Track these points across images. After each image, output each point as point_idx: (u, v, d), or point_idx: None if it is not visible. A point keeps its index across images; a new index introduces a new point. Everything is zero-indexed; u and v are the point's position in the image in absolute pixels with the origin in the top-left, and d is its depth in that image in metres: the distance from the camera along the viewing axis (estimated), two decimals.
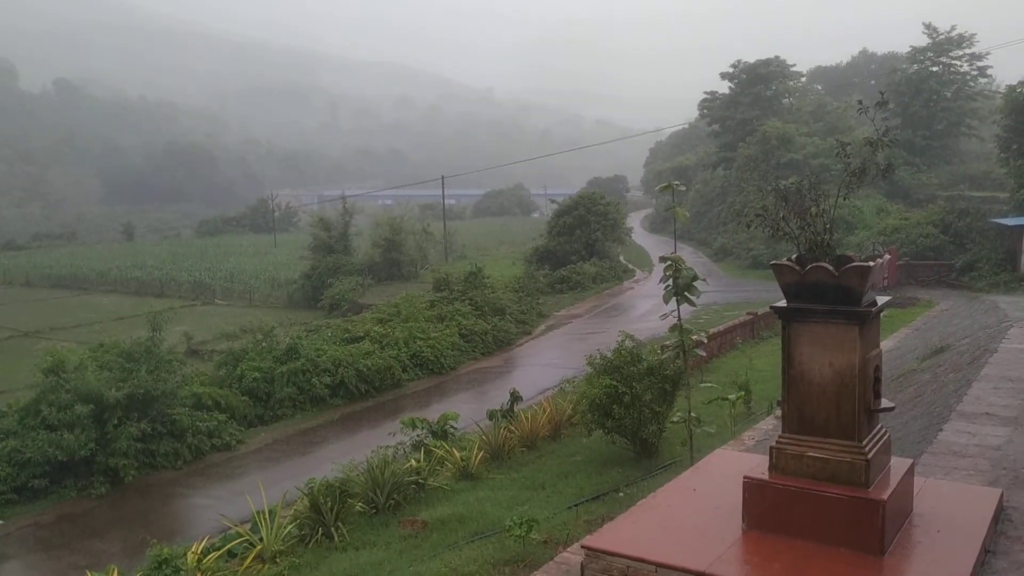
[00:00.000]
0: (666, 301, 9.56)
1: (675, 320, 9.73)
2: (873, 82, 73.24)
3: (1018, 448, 7.70)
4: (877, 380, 5.15)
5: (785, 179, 26.44)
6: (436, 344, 27.32)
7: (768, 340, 24.08)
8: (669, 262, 9.47)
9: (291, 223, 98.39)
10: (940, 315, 24.70)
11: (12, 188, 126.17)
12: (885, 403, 5.28)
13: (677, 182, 10.35)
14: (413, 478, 11.54)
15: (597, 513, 8.56)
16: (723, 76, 61.07)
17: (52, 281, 58.15)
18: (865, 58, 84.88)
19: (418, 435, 14.37)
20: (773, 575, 4.81)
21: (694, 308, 10.86)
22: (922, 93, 49.81)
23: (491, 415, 15.25)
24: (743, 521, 5.30)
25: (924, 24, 51.92)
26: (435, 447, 13.48)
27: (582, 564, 5.45)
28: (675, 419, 11.21)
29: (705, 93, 64.31)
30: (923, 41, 52.15)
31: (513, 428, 13.99)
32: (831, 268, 4.86)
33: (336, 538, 9.95)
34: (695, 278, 9.48)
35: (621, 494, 9.50)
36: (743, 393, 14.02)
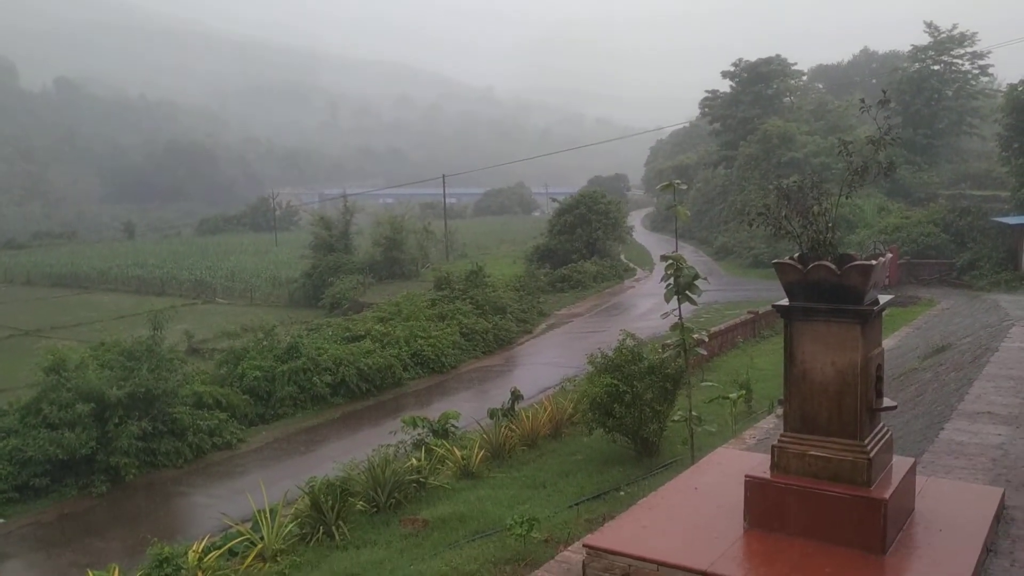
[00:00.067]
0: (667, 300, 9.55)
1: (676, 319, 9.72)
2: (874, 81, 73.19)
3: (1020, 447, 7.69)
4: (879, 379, 5.14)
5: (786, 178, 26.44)
6: (437, 343, 27.32)
7: (769, 339, 24.07)
8: (670, 261, 9.46)
9: (292, 222, 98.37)
10: (941, 314, 24.69)
11: (12, 187, 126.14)
12: (887, 402, 5.27)
13: (678, 181, 10.34)
14: (414, 477, 11.54)
15: (598, 512, 8.55)
16: (724, 75, 61.07)
17: (53, 280, 58.19)
18: (866, 57, 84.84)
19: (419, 434, 14.36)
20: (775, 574, 4.80)
21: (695, 307, 10.87)
22: (923, 92, 49.77)
23: (492, 414, 15.24)
24: (745, 520, 5.30)
25: (925, 23, 51.94)
26: (436, 446, 13.47)
27: (584, 563, 5.44)
28: (676, 418, 11.20)
29: (706, 92, 64.32)
30: (924, 40, 52.16)
31: (514, 427, 13.98)
32: (833, 267, 4.85)
33: (337, 537, 9.95)
34: (696, 277, 9.47)
35: (622, 493, 9.50)
36: (744, 392, 14.01)
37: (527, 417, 14.36)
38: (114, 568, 9.96)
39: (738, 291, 35.66)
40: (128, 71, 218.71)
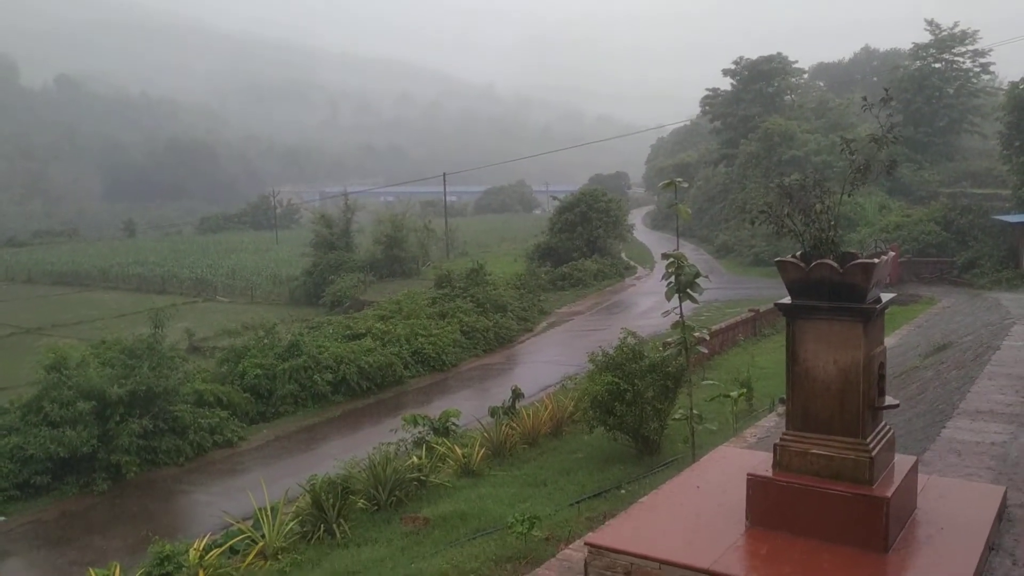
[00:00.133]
0: (668, 298, 9.53)
1: (677, 317, 9.70)
2: (875, 79, 73.04)
3: (1021, 446, 7.68)
4: (882, 377, 5.14)
5: (787, 176, 26.44)
6: (438, 341, 27.32)
7: (770, 337, 24.07)
8: (672, 259, 9.44)
9: (293, 220, 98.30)
10: (942, 312, 24.67)
11: (13, 184, 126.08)
12: (889, 400, 5.26)
13: (679, 179, 10.32)
14: (415, 475, 11.55)
15: (599, 510, 8.56)
16: (725, 73, 61.01)
17: (53, 278, 58.18)
18: (867, 54, 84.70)
19: (420, 432, 14.36)
20: (777, 572, 4.80)
21: (696, 305, 10.87)
22: (924, 90, 49.70)
23: (493, 412, 15.25)
24: (747, 518, 5.29)
25: (927, 20, 51.84)
26: (437, 444, 13.48)
27: (586, 561, 5.44)
28: (677, 416, 11.19)
29: (707, 90, 64.25)
30: (926, 37, 52.05)
31: (515, 425, 13.99)
32: (836, 265, 4.85)
33: (338, 535, 9.96)
34: (697, 275, 9.45)
35: (623, 491, 9.49)
36: (745, 390, 13.98)
37: (528, 415, 14.36)
38: (115, 566, 9.97)
39: (739, 289, 35.65)
40: (128, 69, 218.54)
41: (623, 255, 53.21)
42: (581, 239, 47.28)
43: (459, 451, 12.77)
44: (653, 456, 11.44)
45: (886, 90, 5.89)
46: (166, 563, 9.35)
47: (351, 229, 51.53)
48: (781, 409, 11.75)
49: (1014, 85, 35.16)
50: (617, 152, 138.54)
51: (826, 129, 52.76)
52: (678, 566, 4.90)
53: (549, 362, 25.90)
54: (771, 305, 24.49)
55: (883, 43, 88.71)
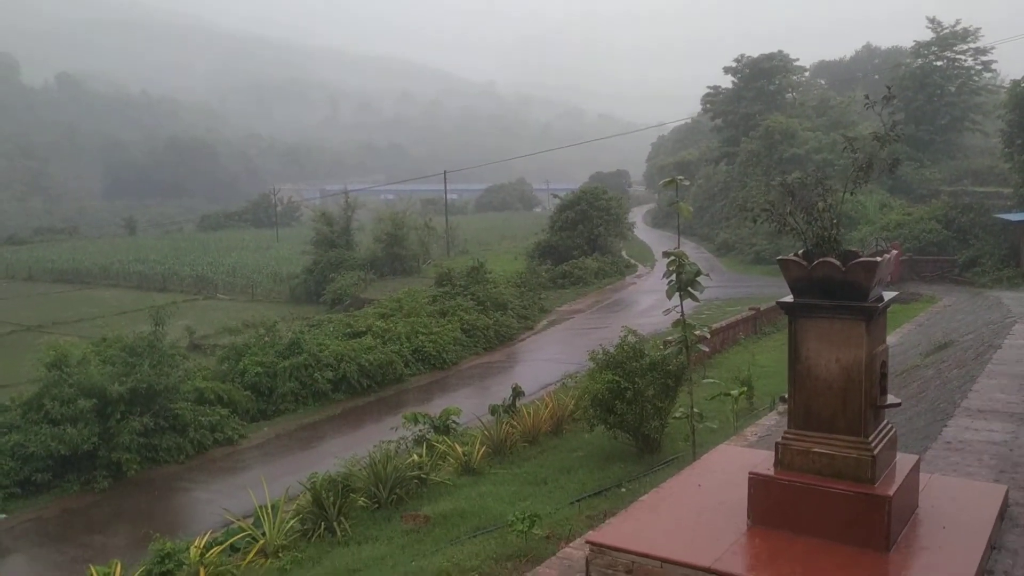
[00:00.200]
0: (669, 296, 9.52)
1: (678, 315, 9.69)
2: (877, 77, 72.89)
3: (1023, 444, 7.67)
4: (884, 376, 5.12)
5: (788, 174, 26.40)
6: (438, 339, 27.32)
7: (770, 336, 24.07)
8: (673, 257, 9.43)
9: (293, 218, 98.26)
10: (943, 311, 24.65)
11: (13, 182, 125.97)
12: (891, 399, 5.25)
13: (681, 177, 10.29)
14: (415, 473, 11.55)
15: (599, 508, 8.55)
16: (726, 71, 60.91)
17: (54, 275, 58.17)
18: (868, 52, 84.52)
19: (420, 430, 14.35)
20: (778, 571, 4.79)
21: (696, 303, 10.83)
22: (926, 88, 49.60)
23: (493, 410, 15.24)
24: (748, 517, 5.28)
25: (928, 18, 51.66)
26: (437, 442, 13.48)
27: (587, 559, 5.43)
28: (677, 415, 11.18)
29: (708, 88, 64.17)
30: (927, 35, 51.92)
31: (515, 423, 13.98)
32: (838, 263, 4.83)
33: (338, 533, 9.96)
34: (698, 273, 9.44)
35: (623, 490, 9.49)
36: (745, 389, 13.98)
37: (528, 413, 14.36)
38: (116, 563, 9.96)
39: (739, 288, 35.64)
40: (129, 68, 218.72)
41: (624, 253, 53.18)
42: (582, 237, 47.25)
43: (460, 449, 12.77)
44: (654, 454, 11.43)
45: (888, 88, 5.86)
46: (167, 560, 9.35)
47: (351, 227, 51.50)
48: (782, 408, 11.74)
49: (1015, 83, 35.06)
50: (617, 150, 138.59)
51: (827, 127, 52.68)
52: (680, 564, 4.89)
53: (549, 360, 25.90)
54: (772, 303, 24.51)
55: (884, 41, 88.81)
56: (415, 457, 12.17)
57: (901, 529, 4.99)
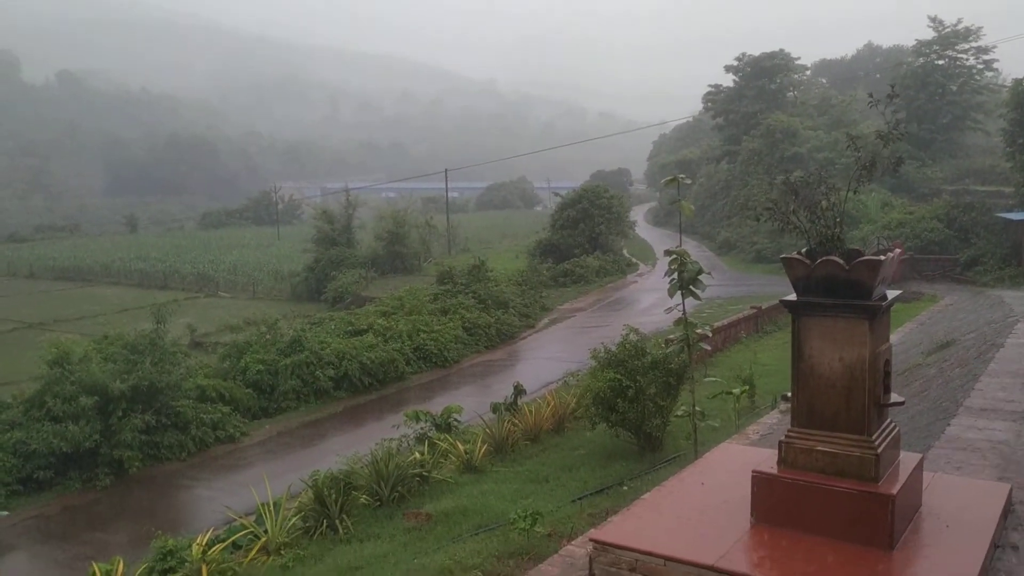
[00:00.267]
0: (671, 295, 9.51)
1: (679, 314, 9.69)
2: (878, 75, 72.80)
3: None
4: (887, 374, 5.12)
5: (790, 173, 26.38)
6: (439, 337, 27.33)
7: (772, 334, 24.06)
8: (674, 256, 9.42)
9: (294, 216, 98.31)
10: (945, 310, 24.63)
11: (14, 180, 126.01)
12: (895, 397, 5.25)
13: (682, 175, 10.28)
14: (417, 471, 11.55)
15: (601, 507, 8.55)
16: (727, 69, 60.87)
17: (55, 273, 58.22)
18: (870, 51, 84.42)
19: (422, 428, 14.36)
20: (782, 569, 4.79)
21: (698, 302, 10.82)
22: (927, 87, 49.53)
23: (495, 408, 15.24)
24: (751, 515, 5.28)
25: (930, 17, 51.58)
26: (439, 440, 13.48)
27: (590, 557, 5.43)
28: (679, 413, 11.18)
29: (709, 86, 64.14)
30: (929, 34, 51.83)
31: (517, 421, 13.99)
32: (841, 262, 4.83)
33: (340, 530, 9.97)
34: (700, 272, 9.43)
35: (625, 488, 9.49)
36: (747, 387, 13.98)
37: (530, 412, 14.36)
38: (118, 561, 9.97)
39: (741, 286, 35.62)
40: (129, 66, 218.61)
41: (625, 252, 53.16)
42: (583, 235, 47.25)
43: (461, 447, 12.77)
44: (655, 453, 11.43)
45: (892, 87, 5.85)
46: (169, 558, 9.36)
47: (353, 225, 51.54)
48: (783, 406, 11.75)
49: (1017, 82, 35.00)
50: (618, 149, 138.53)
51: (828, 126, 52.64)
52: (683, 562, 4.89)
53: (551, 358, 25.90)
54: (773, 302, 24.50)
55: (886, 40, 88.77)
56: (417, 455, 12.17)
57: (905, 528, 4.98)
